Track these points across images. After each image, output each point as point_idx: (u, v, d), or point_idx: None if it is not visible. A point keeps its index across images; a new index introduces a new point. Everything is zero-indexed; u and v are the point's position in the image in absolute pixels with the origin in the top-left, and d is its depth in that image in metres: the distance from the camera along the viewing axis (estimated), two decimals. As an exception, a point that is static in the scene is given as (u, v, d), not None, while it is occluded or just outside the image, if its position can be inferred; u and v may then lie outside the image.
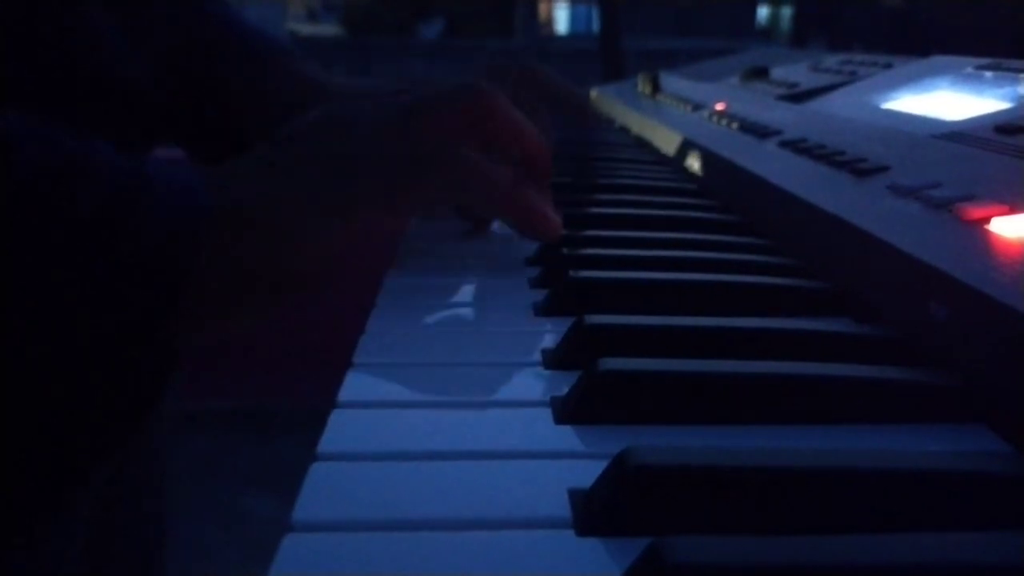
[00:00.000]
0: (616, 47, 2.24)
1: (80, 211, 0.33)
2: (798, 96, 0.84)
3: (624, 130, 1.05)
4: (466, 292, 0.46)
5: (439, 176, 0.40)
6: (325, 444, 0.28)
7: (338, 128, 0.40)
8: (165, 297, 0.35)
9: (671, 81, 1.13)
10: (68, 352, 0.34)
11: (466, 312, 0.42)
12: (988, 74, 0.68)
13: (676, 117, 0.91)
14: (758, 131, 0.69)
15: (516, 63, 0.60)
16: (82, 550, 0.53)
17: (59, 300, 0.33)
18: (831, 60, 0.97)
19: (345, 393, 0.32)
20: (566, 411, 0.31)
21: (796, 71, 0.97)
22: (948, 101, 0.64)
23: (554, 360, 0.35)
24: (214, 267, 0.36)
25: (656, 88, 1.08)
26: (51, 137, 0.34)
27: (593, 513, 0.24)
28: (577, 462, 0.27)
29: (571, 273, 0.42)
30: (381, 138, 0.40)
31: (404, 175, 0.40)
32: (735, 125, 0.75)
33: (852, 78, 0.84)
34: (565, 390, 0.32)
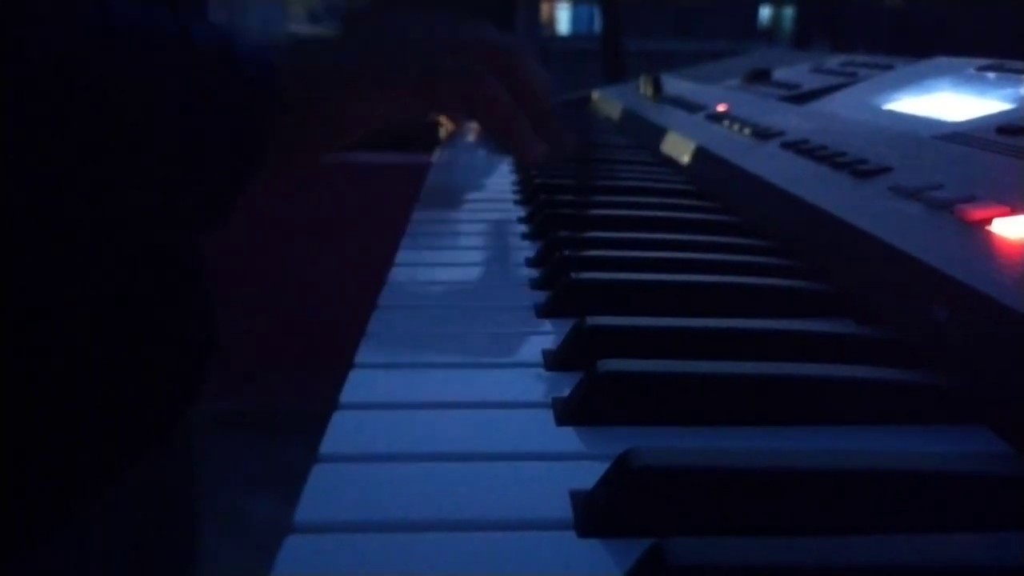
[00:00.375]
0: (618, 48, 2.24)
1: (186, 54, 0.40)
2: (800, 97, 0.84)
3: (625, 131, 1.05)
4: (467, 293, 0.46)
5: (461, 81, 0.50)
6: (327, 445, 0.28)
7: (391, 26, 0.50)
8: (257, 115, 0.42)
9: (673, 83, 1.13)
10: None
11: (467, 313, 0.42)
12: (990, 75, 0.68)
13: (678, 119, 0.91)
14: (760, 133, 0.69)
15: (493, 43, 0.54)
16: (125, 548, 0.53)
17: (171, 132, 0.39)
18: (833, 61, 0.97)
19: (347, 394, 0.32)
20: (567, 412, 0.31)
21: (798, 72, 0.98)
22: (950, 102, 0.64)
23: (555, 361, 0.36)
24: (287, 107, 0.43)
25: (658, 90, 1.08)
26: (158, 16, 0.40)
27: (595, 514, 0.24)
28: (578, 463, 0.27)
29: (572, 275, 0.42)
30: (427, 37, 0.50)
31: (436, 71, 0.49)
32: (737, 127, 0.75)
33: (854, 79, 0.84)
34: (566, 391, 0.32)
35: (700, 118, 0.87)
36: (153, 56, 0.38)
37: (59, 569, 0.46)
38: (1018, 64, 0.67)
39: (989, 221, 0.39)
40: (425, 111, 0.53)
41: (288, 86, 0.43)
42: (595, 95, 1.35)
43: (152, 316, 0.46)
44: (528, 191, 0.67)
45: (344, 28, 0.52)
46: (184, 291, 0.50)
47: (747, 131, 0.72)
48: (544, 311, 0.42)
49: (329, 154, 0.50)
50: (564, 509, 0.25)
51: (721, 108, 0.86)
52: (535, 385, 0.34)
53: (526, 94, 0.53)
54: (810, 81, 0.90)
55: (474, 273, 0.49)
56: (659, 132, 0.89)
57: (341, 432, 0.29)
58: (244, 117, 0.41)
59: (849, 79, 0.84)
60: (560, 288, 0.42)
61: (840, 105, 0.76)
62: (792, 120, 0.72)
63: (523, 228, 0.58)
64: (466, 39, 0.51)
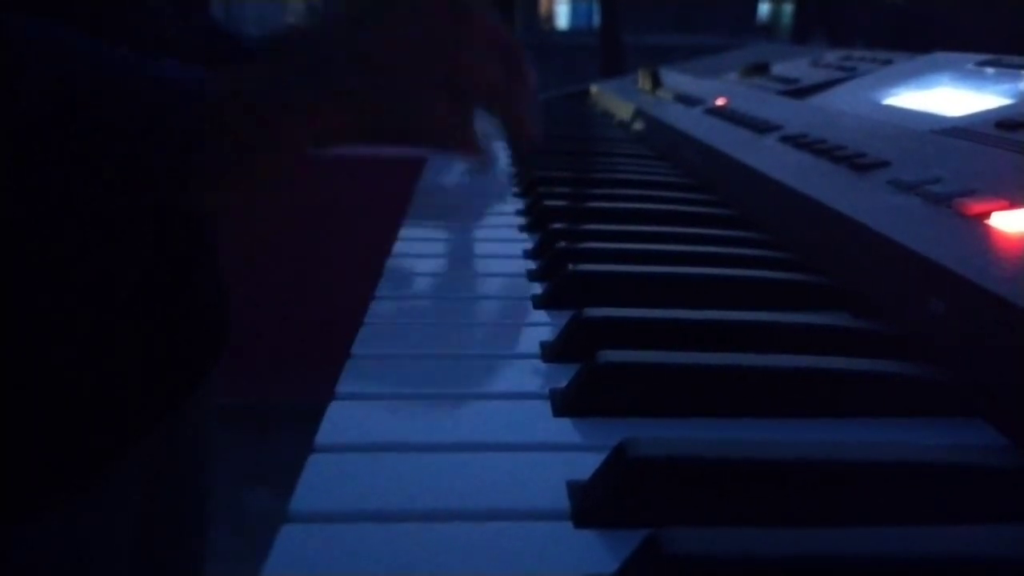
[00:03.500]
0: (616, 42, 2.23)
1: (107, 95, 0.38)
2: (799, 92, 0.84)
3: (624, 125, 1.05)
4: (465, 285, 0.46)
5: (441, 46, 0.44)
6: (323, 435, 0.28)
7: (324, 29, 0.45)
8: (185, 150, 0.39)
9: (671, 76, 1.13)
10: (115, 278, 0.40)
11: (465, 305, 0.42)
12: (989, 70, 0.68)
13: (676, 112, 0.91)
14: (758, 126, 0.69)
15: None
16: (133, 524, 0.53)
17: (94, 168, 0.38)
18: (832, 56, 0.97)
19: (343, 384, 0.32)
20: (565, 403, 0.31)
21: (796, 67, 0.97)
22: (948, 97, 0.64)
23: (553, 353, 0.35)
24: (222, 130, 0.41)
25: (656, 83, 1.08)
26: (62, 34, 0.38)
27: (591, 505, 0.24)
28: (575, 454, 0.27)
29: (570, 266, 0.42)
30: (368, 47, 0.44)
31: (375, 96, 0.43)
32: (735, 120, 0.74)
33: (853, 74, 0.83)
34: (564, 383, 0.32)
35: (699, 111, 0.87)
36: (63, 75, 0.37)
37: (63, 542, 0.46)
38: (1017, 59, 0.67)
39: (987, 215, 0.39)
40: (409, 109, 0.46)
41: (220, 109, 0.41)
42: (593, 89, 1.35)
43: (168, 285, 0.46)
44: (526, 184, 0.67)
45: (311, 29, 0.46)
46: (200, 263, 0.49)
47: (746, 125, 0.72)
48: (542, 302, 0.42)
49: (313, 156, 0.45)
50: (561, 500, 0.25)
51: (720, 102, 0.86)
52: (532, 376, 0.34)
53: (520, 73, 0.48)
54: (809, 75, 0.90)
55: (471, 265, 0.49)
56: (657, 125, 0.89)
57: (337, 422, 0.29)
58: (171, 137, 0.40)
59: (848, 74, 0.84)
60: (558, 280, 0.42)
61: (839, 99, 0.76)
62: (791, 114, 0.72)
63: (521, 220, 0.58)
64: (454, 16, 0.45)
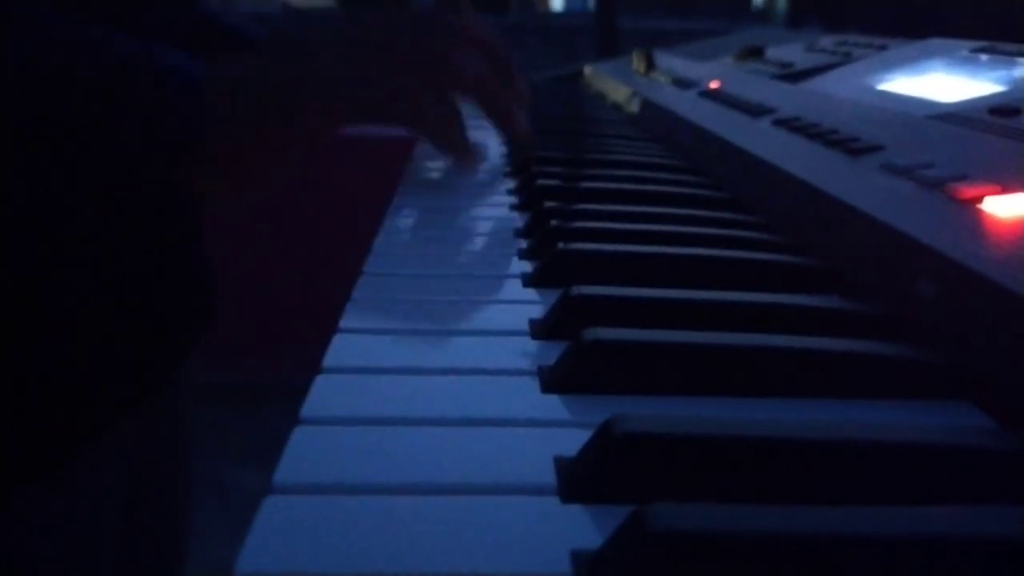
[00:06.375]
0: (612, 25, 2.22)
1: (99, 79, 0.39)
2: (793, 76, 0.84)
3: (617, 107, 1.05)
4: (455, 261, 0.45)
5: (430, 50, 0.47)
6: (309, 408, 0.28)
7: (306, 40, 0.47)
8: (180, 144, 0.40)
9: (665, 59, 1.13)
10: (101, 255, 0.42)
11: (454, 281, 0.42)
12: (983, 57, 0.68)
13: (670, 94, 0.91)
14: (752, 109, 0.69)
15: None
16: (112, 516, 0.53)
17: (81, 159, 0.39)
18: (826, 41, 0.96)
19: (330, 358, 0.32)
20: (553, 380, 0.31)
21: (791, 51, 0.97)
22: (943, 83, 0.64)
23: (542, 330, 0.35)
24: (219, 123, 0.42)
25: (650, 65, 1.08)
26: (62, 20, 0.39)
27: (578, 480, 0.24)
28: (563, 430, 0.27)
29: (560, 245, 0.42)
30: (351, 48, 0.46)
31: (359, 88, 0.46)
32: (729, 103, 0.74)
33: (847, 59, 0.83)
34: (552, 360, 0.32)
35: (692, 94, 0.86)
36: (73, 65, 0.38)
37: (47, 523, 0.46)
38: (1012, 47, 0.67)
39: (980, 199, 0.39)
40: (394, 95, 0.50)
41: (219, 100, 0.42)
42: (587, 70, 1.35)
43: (150, 263, 0.47)
44: (517, 163, 0.66)
45: (304, 25, 0.51)
46: (182, 240, 0.49)
47: (739, 108, 0.71)
48: (531, 281, 0.41)
49: (305, 158, 0.47)
50: (548, 474, 0.25)
51: (714, 85, 0.86)
52: (521, 353, 0.34)
53: (509, 74, 0.52)
54: (803, 60, 0.89)
55: (461, 242, 0.49)
56: (651, 107, 0.89)
57: (323, 395, 0.29)
58: (165, 127, 0.40)
59: (843, 59, 0.84)
60: (548, 258, 0.42)
61: (833, 84, 0.75)
62: (785, 98, 0.71)
63: (512, 199, 0.57)
64: (441, 23, 0.49)
